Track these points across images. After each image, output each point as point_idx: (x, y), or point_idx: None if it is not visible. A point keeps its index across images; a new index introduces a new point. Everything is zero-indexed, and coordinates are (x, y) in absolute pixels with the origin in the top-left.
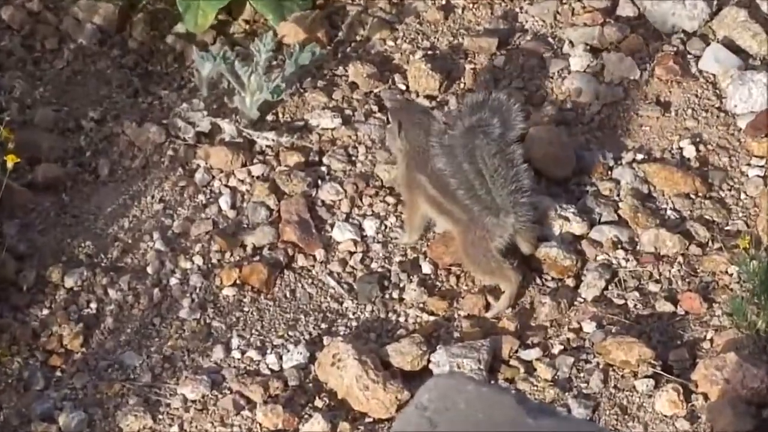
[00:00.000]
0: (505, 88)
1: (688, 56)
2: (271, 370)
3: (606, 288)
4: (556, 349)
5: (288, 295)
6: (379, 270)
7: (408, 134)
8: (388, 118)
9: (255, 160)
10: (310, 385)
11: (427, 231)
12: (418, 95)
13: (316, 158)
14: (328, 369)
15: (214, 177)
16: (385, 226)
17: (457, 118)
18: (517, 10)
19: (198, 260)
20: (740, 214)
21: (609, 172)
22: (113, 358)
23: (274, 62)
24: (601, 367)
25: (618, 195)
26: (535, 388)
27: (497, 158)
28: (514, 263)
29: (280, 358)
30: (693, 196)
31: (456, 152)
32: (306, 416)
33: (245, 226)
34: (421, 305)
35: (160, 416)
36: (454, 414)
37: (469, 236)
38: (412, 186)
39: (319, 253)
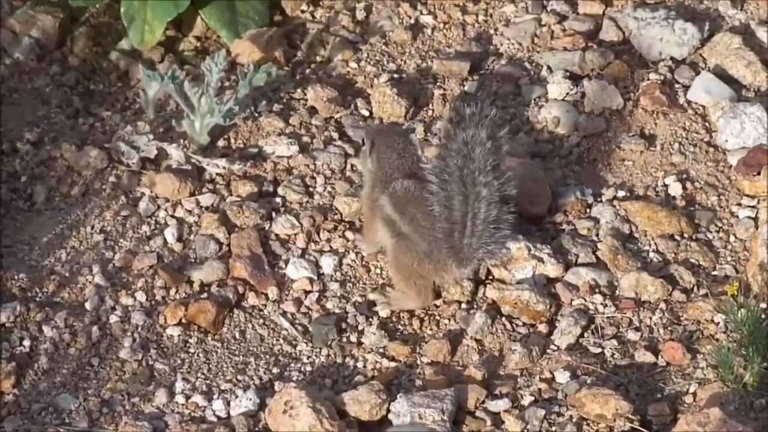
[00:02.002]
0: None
1: (676, 86)
2: (218, 417)
3: (581, 335)
4: (526, 400)
5: (237, 336)
6: (337, 311)
7: (379, 155)
8: (363, 139)
9: (204, 189)
10: None
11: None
12: (382, 122)
13: (271, 188)
14: (280, 417)
15: (159, 207)
16: (344, 264)
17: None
18: (492, 31)
19: (140, 296)
20: (728, 259)
21: (587, 210)
22: (47, 401)
23: (227, 83)
24: (574, 420)
25: (597, 235)
26: None
27: (487, 189)
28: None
29: (228, 404)
30: (678, 238)
31: (450, 183)
32: None
33: (192, 260)
34: (381, 350)
35: None
36: None
37: (418, 259)
38: (373, 208)
39: (272, 292)
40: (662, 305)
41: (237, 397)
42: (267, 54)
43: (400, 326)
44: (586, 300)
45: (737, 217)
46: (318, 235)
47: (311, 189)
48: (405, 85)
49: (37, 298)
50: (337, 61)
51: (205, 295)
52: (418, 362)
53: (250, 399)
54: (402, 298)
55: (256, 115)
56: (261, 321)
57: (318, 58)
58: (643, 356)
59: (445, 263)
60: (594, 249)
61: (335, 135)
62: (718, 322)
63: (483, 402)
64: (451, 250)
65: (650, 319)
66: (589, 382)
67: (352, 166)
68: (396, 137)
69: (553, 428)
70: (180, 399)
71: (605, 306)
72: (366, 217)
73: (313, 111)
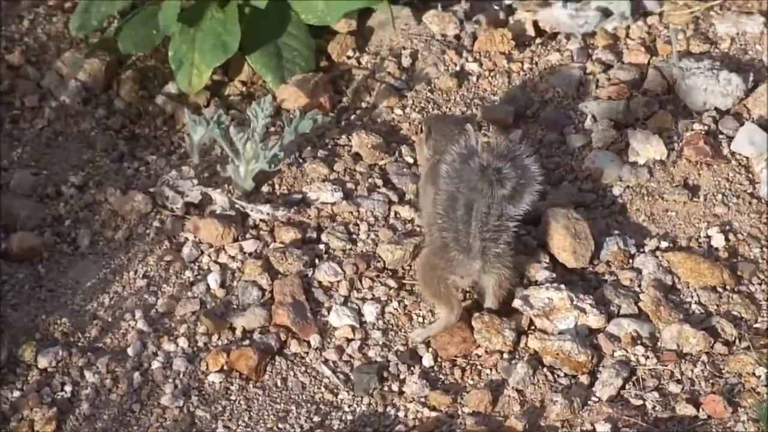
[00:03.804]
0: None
1: (720, 136)
2: None
3: (623, 387)
4: None
5: (279, 383)
6: (379, 359)
7: (435, 144)
8: (420, 128)
9: (248, 235)
10: None
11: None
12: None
13: (314, 235)
14: None
15: (202, 252)
16: (386, 312)
17: (476, 153)
18: (537, 79)
19: (183, 342)
20: None
21: (630, 261)
22: None
23: (272, 129)
24: None
25: (639, 286)
26: None
27: (492, 212)
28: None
29: None
30: (720, 290)
31: (458, 184)
32: None
33: (235, 306)
34: (423, 399)
35: None
36: None
37: (432, 259)
38: (425, 197)
39: (314, 339)
40: (704, 357)
41: None
42: (312, 99)
43: (441, 376)
44: (627, 351)
45: None
46: (361, 282)
47: (355, 236)
48: None
49: (80, 343)
50: (382, 108)
51: (247, 342)
52: (459, 412)
53: None
54: (434, 322)
55: (301, 161)
56: (303, 369)
57: (363, 104)
58: (685, 409)
59: (456, 256)
60: (636, 300)
61: (379, 182)
62: (760, 376)
63: None
64: (457, 242)
65: (692, 371)
66: None
67: (395, 213)
68: (452, 126)
69: None
70: None
71: (647, 358)
72: (422, 203)
73: (357, 157)
